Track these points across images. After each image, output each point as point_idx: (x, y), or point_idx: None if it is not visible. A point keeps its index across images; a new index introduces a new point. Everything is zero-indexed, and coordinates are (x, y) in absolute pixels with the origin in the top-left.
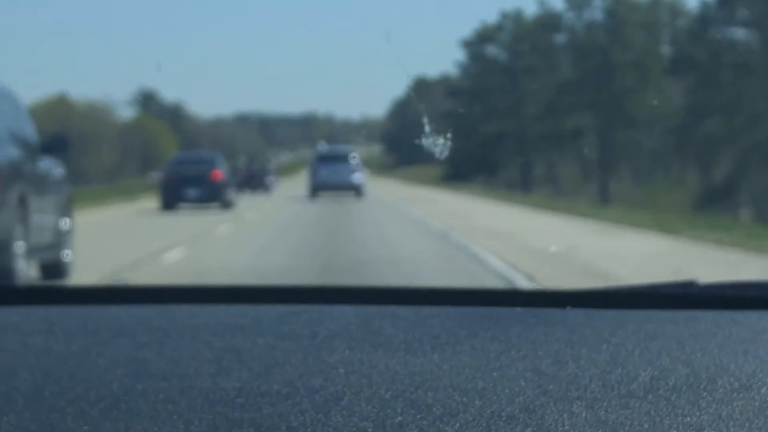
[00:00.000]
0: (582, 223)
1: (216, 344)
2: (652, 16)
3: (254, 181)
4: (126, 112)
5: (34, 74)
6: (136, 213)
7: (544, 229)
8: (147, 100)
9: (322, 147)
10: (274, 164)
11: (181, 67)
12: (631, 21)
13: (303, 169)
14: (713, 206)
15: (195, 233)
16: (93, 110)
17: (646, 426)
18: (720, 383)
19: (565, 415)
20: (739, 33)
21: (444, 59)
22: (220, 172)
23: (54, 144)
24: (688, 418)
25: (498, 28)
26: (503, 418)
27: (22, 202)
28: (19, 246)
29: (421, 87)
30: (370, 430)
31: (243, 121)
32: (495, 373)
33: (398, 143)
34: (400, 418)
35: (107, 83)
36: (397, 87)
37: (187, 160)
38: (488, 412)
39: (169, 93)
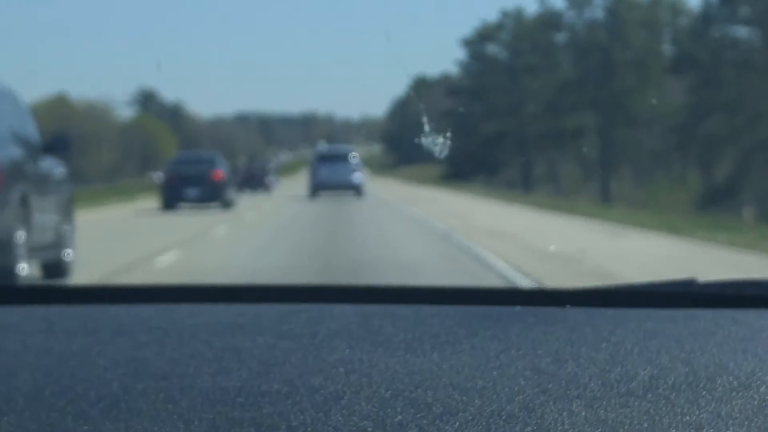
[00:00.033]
0: (587, 224)
1: (216, 343)
2: (652, 14)
3: (254, 180)
4: (126, 112)
5: (33, 74)
6: (132, 213)
7: (549, 230)
8: (147, 100)
9: (322, 146)
10: (274, 164)
11: (180, 66)
12: (631, 19)
13: (303, 169)
14: (715, 206)
15: (191, 234)
16: (92, 110)
17: (645, 425)
18: (719, 382)
19: (564, 413)
20: (741, 31)
21: (444, 58)
22: (220, 172)
23: (55, 144)
24: (688, 417)
25: (499, 26)
26: (503, 417)
27: (24, 201)
28: (21, 245)
29: (421, 86)
30: (370, 429)
31: (243, 120)
32: (495, 372)
33: (398, 143)
34: (400, 417)
35: (107, 83)
36: (397, 87)
37: (188, 160)
38: (488, 411)
39: (168, 93)
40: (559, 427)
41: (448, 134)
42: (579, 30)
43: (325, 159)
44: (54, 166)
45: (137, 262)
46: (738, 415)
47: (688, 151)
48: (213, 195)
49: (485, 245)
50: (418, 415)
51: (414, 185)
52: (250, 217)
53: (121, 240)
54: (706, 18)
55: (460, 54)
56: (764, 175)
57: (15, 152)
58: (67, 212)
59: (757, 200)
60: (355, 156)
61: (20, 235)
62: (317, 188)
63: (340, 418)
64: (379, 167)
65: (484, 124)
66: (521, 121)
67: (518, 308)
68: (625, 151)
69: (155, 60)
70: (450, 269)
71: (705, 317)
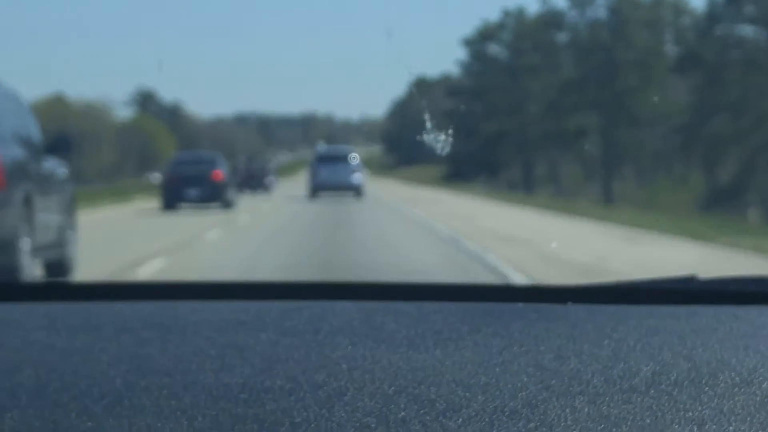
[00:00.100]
0: (598, 227)
1: (218, 340)
2: (655, 14)
3: (254, 181)
4: (124, 112)
5: (31, 74)
6: (125, 215)
7: (560, 234)
8: (145, 100)
9: (322, 147)
10: (273, 164)
11: (180, 67)
12: (634, 19)
13: (302, 170)
14: (720, 207)
15: (181, 239)
16: (90, 110)
17: (648, 421)
18: (721, 378)
19: (567, 410)
20: (747, 30)
21: (444, 59)
22: (220, 172)
23: (58, 144)
24: (690, 413)
25: (500, 26)
26: (506, 413)
27: (27, 201)
28: (25, 244)
29: (421, 87)
30: (373, 425)
31: (242, 121)
32: (497, 369)
33: (398, 143)
34: (403, 413)
35: (105, 83)
36: (396, 87)
37: (188, 160)
38: (491, 407)
39: (167, 93)
40: (562, 424)
41: (450, 132)
42: (581, 29)
43: (324, 160)
44: (56, 166)
45: (117, 273)
46: (740, 411)
47: (692, 151)
48: (213, 195)
49: (499, 253)
50: (422, 412)
51: (414, 186)
52: (245, 220)
53: (104, 246)
54: (711, 17)
55: (460, 54)
56: None
57: (18, 152)
58: (69, 212)
59: (762, 201)
60: (354, 157)
61: (23, 235)
62: (317, 189)
63: (343, 415)
64: (379, 168)
65: (485, 124)
66: (522, 122)
67: (520, 305)
68: (627, 151)
69: (156, 59)
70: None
71: (707, 314)
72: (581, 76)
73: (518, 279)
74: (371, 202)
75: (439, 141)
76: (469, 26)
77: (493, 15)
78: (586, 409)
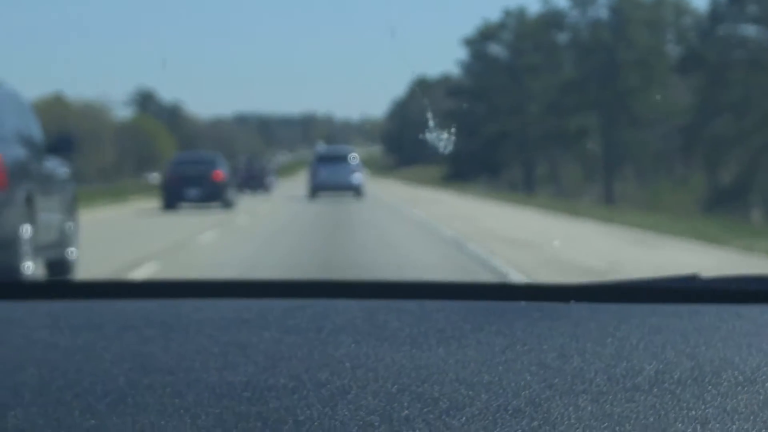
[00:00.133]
0: (606, 229)
1: (221, 338)
2: (656, 14)
3: (254, 181)
4: (124, 112)
5: (30, 73)
6: (119, 216)
7: (567, 237)
8: (145, 100)
9: (321, 147)
10: (273, 164)
11: (180, 67)
12: (635, 19)
13: (302, 170)
14: (722, 207)
15: (175, 242)
16: (89, 110)
17: (651, 419)
18: (724, 376)
19: (570, 408)
20: (750, 30)
21: (445, 59)
22: (221, 172)
23: (59, 144)
24: (693, 412)
25: (501, 25)
26: (509, 412)
27: (29, 201)
28: (26, 244)
29: (422, 87)
30: (376, 423)
31: (242, 121)
32: (500, 367)
33: (398, 143)
34: (406, 411)
35: (105, 83)
36: (397, 87)
37: (188, 160)
38: (494, 405)
39: (167, 93)
40: (566, 422)
41: (453, 130)
42: (582, 29)
43: (324, 160)
44: (58, 166)
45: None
46: (743, 409)
47: (694, 151)
48: (214, 195)
49: (501, 254)
50: (425, 410)
51: (415, 186)
52: (242, 221)
53: (94, 248)
54: (713, 17)
55: (460, 54)
56: None
57: (20, 152)
58: (70, 211)
59: (765, 202)
60: (354, 157)
61: (25, 234)
62: (316, 189)
63: (347, 413)
64: (379, 168)
65: (485, 124)
66: (523, 122)
67: (522, 303)
68: (628, 151)
69: (160, 57)
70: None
71: (709, 312)
72: (582, 76)
73: None
74: (371, 203)
75: (442, 139)
76: (469, 26)
77: (494, 15)
78: (589, 408)
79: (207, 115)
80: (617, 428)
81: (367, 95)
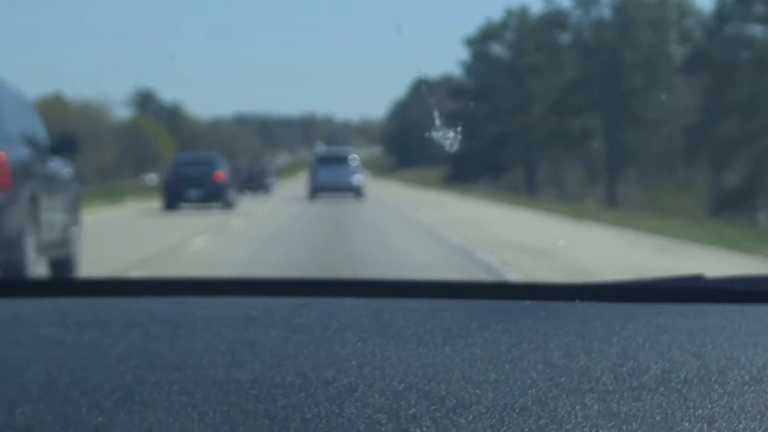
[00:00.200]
0: (622, 235)
1: (228, 336)
2: (660, 14)
3: (254, 182)
4: (123, 112)
5: (29, 73)
6: (109, 219)
7: (583, 244)
8: (145, 100)
9: (321, 148)
10: (273, 165)
11: (179, 67)
12: (639, 19)
13: (302, 171)
14: (729, 210)
15: (163, 248)
16: (88, 110)
17: (658, 418)
18: (731, 376)
19: (577, 407)
20: (756, 30)
21: (445, 59)
22: (221, 173)
23: (63, 144)
24: (700, 411)
25: (503, 25)
26: (516, 410)
27: (34, 200)
28: (30, 243)
29: (426, 85)
30: (384, 421)
31: (242, 122)
32: (507, 366)
33: (399, 145)
34: (413, 409)
35: (104, 83)
36: (397, 88)
37: (189, 161)
38: (501, 404)
39: (167, 93)
40: (572, 421)
41: (459, 129)
42: (585, 29)
43: (324, 161)
44: (61, 166)
45: None
46: (750, 408)
47: (700, 153)
48: (214, 196)
49: (516, 265)
50: (432, 408)
51: (416, 188)
52: (238, 225)
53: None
54: (720, 16)
55: (462, 54)
56: None
57: (24, 152)
58: (73, 211)
59: None
60: (354, 158)
61: (29, 233)
62: (316, 190)
63: (354, 411)
64: (379, 170)
65: (487, 125)
66: (525, 123)
67: (528, 302)
68: (632, 153)
69: (160, 58)
70: None
71: (715, 312)
72: (585, 76)
73: None
74: (372, 206)
75: (448, 138)
76: (471, 26)
77: (496, 14)
78: (596, 407)
79: (207, 116)
80: (624, 427)
81: (368, 96)
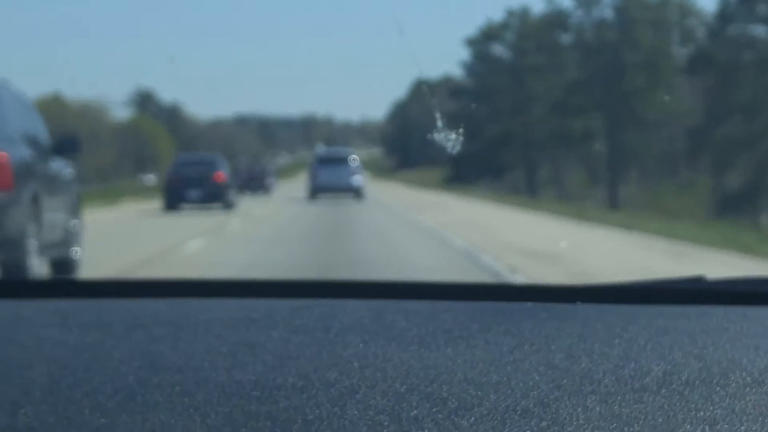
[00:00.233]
0: (631, 238)
1: (230, 337)
2: (662, 14)
3: (254, 182)
4: (123, 113)
5: (28, 73)
6: (100, 221)
7: (594, 248)
8: (144, 101)
9: (321, 149)
10: (273, 166)
11: (179, 67)
12: (640, 19)
13: (302, 172)
14: (732, 212)
15: (155, 252)
16: (87, 110)
17: (659, 420)
18: (732, 378)
19: (579, 409)
20: (760, 30)
21: (447, 59)
22: (222, 174)
23: (65, 145)
24: (702, 413)
25: (504, 26)
26: (518, 412)
27: (35, 200)
28: (32, 243)
29: (427, 86)
30: (386, 423)
31: (242, 122)
32: (509, 367)
33: (399, 145)
34: (415, 411)
35: (104, 83)
36: (397, 89)
37: (190, 162)
38: (503, 405)
39: (167, 93)
40: (574, 423)
41: (461, 131)
42: (587, 29)
43: (324, 162)
44: (63, 167)
45: None
46: (752, 410)
47: (702, 154)
48: (215, 196)
49: (525, 272)
50: (434, 410)
51: (417, 189)
52: (235, 227)
53: None
54: (723, 17)
55: (463, 54)
56: None
57: (26, 153)
58: (75, 211)
59: None
60: (354, 159)
61: (31, 233)
62: (316, 191)
63: (355, 412)
64: (380, 170)
65: (488, 126)
66: (526, 124)
67: (529, 304)
68: (634, 154)
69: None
70: None
71: (716, 314)
72: (586, 77)
73: None
74: (373, 208)
75: (450, 140)
76: (472, 26)
77: (497, 15)
78: (597, 409)
79: (206, 116)
80: (626, 429)
81: (368, 97)
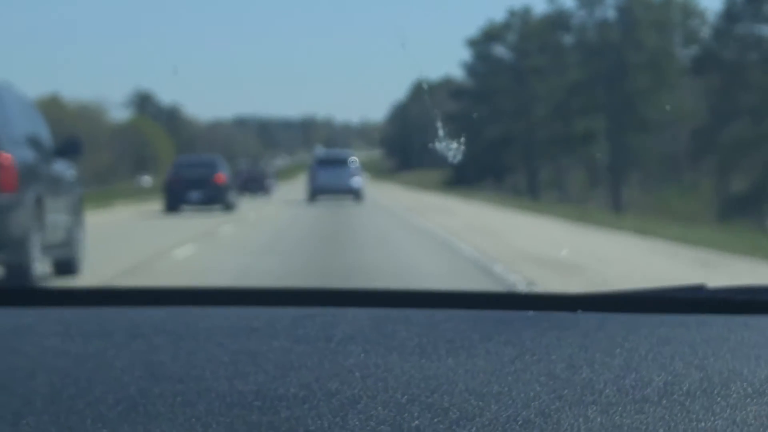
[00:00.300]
0: (651, 245)
1: (231, 347)
2: (665, 15)
3: (254, 184)
4: (122, 114)
5: (26, 74)
6: (98, 223)
7: (614, 256)
8: (143, 102)
9: (321, 151)
10: (272, 167)
11: (179, 69)
12: (644, 20)
13: (301, 173)
14: (736, 215)
15: (141, 260)
16: (85, 111)
17: (661, 430)
18: (733, 388)
19: (580, 419)
20: (766, 30)
21: (447, 60)
22: (222, 175)
23: (67, 147)
24: (703, 423)
25: (505, 26)
26: (519, 423)
27: (39, 202)
28: (35, 243)
29: (424, 89)
30: None
31: (241, 124)
32: (510, 377)
33: (399, 147)
34: (416, 421)
35: (103, 84)
36: (397, 90)
37: (190, 163)
38: (504, 416)
39: (166, 95)
40: None
41: (462, 139)
42: (589, 30)
43: (324, 163)
44: (65, 169)
45: None
46: (753, 421)
47: (707, 156)
48: (215, 198)
49: (544, 285)
50: (435, 420)
51: (417, 191)
52: (230, 230)
53: None
54: (729, 17)
55: (464, 55)
56: None
57: (29, 155)
58: (77, 213)
59: None
60: (354, 160)
61: (35, 234)
62: (316, 192)
63: (357, 423)
64: (379, 172)
65: (489, 127)
66: (528, 125)
67: (530, 313)
68: (636, 156)
69: (159, 59)
70: None
71: (717, 323)
72: (589, 78)
73: None
74: (374, 212)
75: (452, 149)
76: (473, 26)
77: (498, 15)
78: (598, 419)
79: (206, 118)
80: None
81: (368, 98)
